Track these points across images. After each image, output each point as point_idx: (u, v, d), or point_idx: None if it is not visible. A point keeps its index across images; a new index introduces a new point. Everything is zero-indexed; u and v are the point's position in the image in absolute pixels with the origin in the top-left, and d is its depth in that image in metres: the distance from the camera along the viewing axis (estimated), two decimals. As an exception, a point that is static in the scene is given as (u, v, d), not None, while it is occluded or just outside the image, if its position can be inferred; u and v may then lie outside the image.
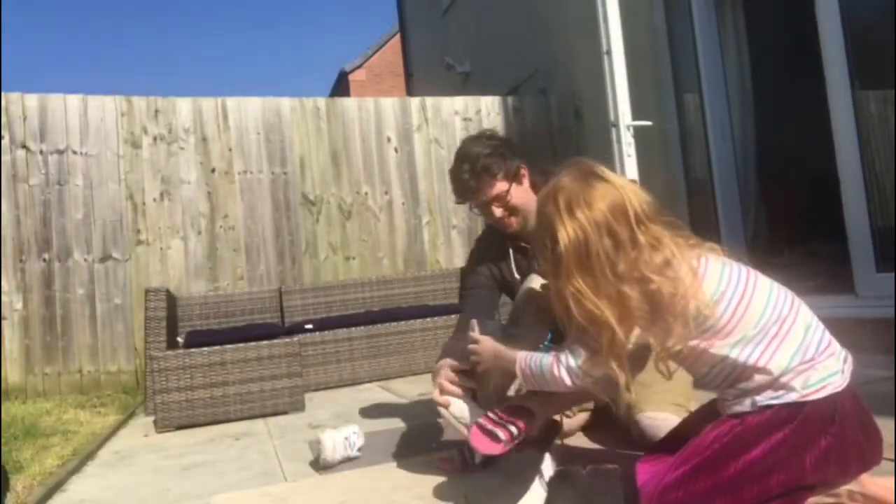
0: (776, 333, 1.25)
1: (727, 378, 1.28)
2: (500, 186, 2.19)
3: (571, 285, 1.29)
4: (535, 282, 1.94)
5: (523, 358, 1.51)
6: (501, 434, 1.63)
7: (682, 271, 1.26)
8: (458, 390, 1.90)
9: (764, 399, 1.24)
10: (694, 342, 1.27)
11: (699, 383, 1.37)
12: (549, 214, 1.33)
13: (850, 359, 1.28)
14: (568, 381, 1.40)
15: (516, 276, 2.30)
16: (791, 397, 1.22)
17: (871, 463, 1.26)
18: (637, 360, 1.40)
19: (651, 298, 1.27)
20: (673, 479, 1.29)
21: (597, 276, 1.27)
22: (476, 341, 1.75)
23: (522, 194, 2.23)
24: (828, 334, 1.28)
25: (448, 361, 2.00)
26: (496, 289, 2.39)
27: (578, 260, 1.28)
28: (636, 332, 1.31)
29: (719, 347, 1.26)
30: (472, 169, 2.17)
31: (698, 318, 1.25)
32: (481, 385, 1.90)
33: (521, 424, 1.64)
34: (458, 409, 1.83)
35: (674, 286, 1.25)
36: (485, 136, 2.28)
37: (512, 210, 2.22)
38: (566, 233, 1.29)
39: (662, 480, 1.30)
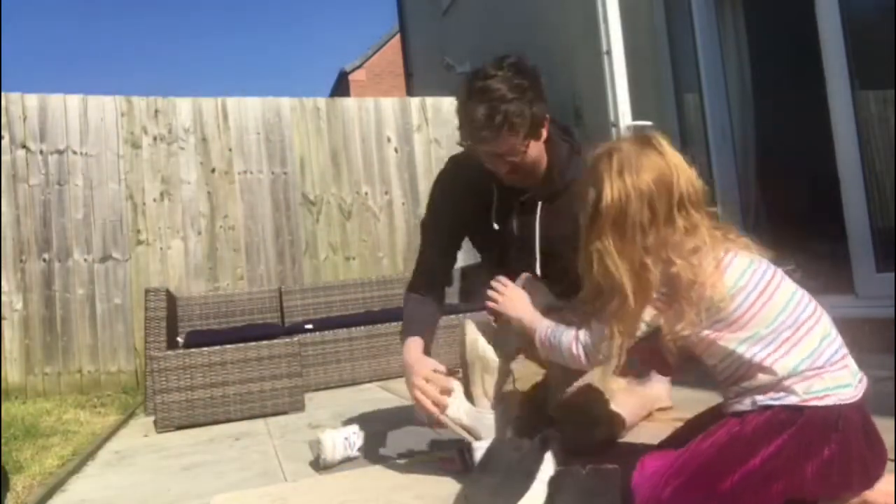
0: (788, 338, 1.24)
1: (733, 374, 1.29)
2: (520, 143, 1.81)
3: (600, 242, 1.31)
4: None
5: (545, 329, 1.53)
6: None
7: (706, 261, 1.27)
8: (444, 399, 1.78)
9: (764, 399, 1.24)
10: (705, 332, 1.28)
11: (709, 380, 1.38)
12: (600, 171, 1.34)
13: (865, 380, 1.26)
14: (583, 359, 1.43)
15: (495, 225, 1.98)
16: (791, 400, 1.22)
17: (875, 478, 1.24)
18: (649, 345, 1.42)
19: (670, 281, 1.28)
20: (671, 489, 1.28)
21: (626, 241, 1.29)
22: (504, 285, 1.69)
23: (537, 149, 1.88)
24: (845, 349, 1.27)
25: (423, 370, 1.82)
26: (457, 240, 2.11)
27: (614, 221, 1.30)
28: (650, 311, 1.32)
29: (728, 341, 1.27)
30: (491, 115, 1.74)
31: (711, 308, 1.26)
32: (469, 382, 1.88)
33: None
34: (454, 410, 1.82)
35: (694, 273, 1.26)
36: (510, 66, 1.81)
37: (520, 166, 1.87)
38: (610, 192, 1.31)
39: (660, 490, 1.29)
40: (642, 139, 1.38)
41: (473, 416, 1.78)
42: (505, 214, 1.99)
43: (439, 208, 2.14)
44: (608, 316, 1.32)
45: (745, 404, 1.26)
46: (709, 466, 1.26)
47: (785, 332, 1.25)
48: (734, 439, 1.24)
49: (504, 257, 2.02)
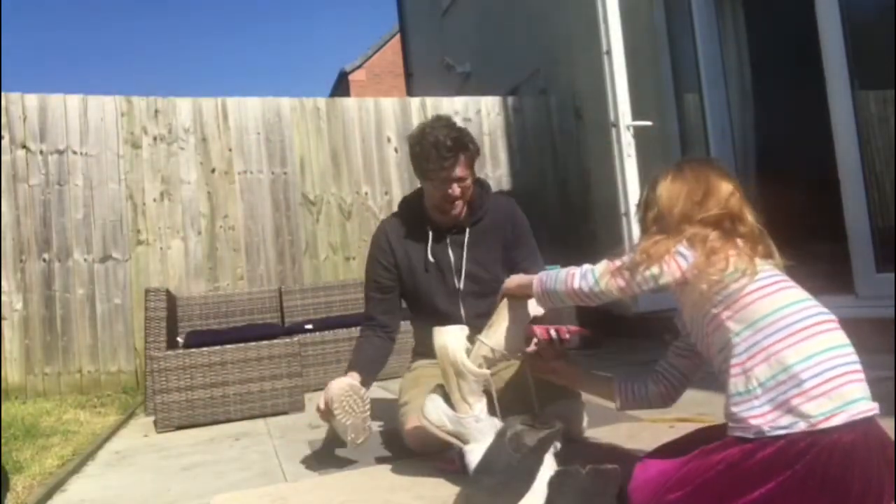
0: (791, 333, 1.26)
1: (738, 364, 1.28)
2: (471, 169, 2.20)
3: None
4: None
5: (540, 275, 1.62)
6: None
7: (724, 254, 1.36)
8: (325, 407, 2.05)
9: (771, 429, 1.21)
10: (714, 310, 1.34)
11: (707, 381, 1.38)
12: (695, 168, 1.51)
13: (875, 409, 1.23)
14: (576, 284, 1.48)
15: (430, 258, 2.29)
16: (799, 427, 1.18)
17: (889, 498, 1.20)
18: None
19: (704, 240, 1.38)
20: (671, 499, 1.26)
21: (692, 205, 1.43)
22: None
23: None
24: (855, 366, 1.26)
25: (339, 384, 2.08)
26: (397, 287, 2.35)
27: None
28: (676, 264, 1.37)
29: (733, 322, 1.31)
30: (455, 138, 2.13)
31: (729, 276, 1.33)
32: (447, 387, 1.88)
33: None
34: (433, 412, 1.83)
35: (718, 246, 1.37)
36: (445, 119, 2.25)
37: (464, 194, 2.21)
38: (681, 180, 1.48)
39: (659, 496, 1.28)
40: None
41: (455, 421, 1.79)
42: (438, 250, 2.30)
43: (377, 266, 2.36)
44: (647, 235, 1.43)
45: (749, 433, 1.23)
46: (712, 487, 1.24)
47: (788, 327, 1.26)
48: (740, 464, 1.22)
49: (437, 291, 2.30)
